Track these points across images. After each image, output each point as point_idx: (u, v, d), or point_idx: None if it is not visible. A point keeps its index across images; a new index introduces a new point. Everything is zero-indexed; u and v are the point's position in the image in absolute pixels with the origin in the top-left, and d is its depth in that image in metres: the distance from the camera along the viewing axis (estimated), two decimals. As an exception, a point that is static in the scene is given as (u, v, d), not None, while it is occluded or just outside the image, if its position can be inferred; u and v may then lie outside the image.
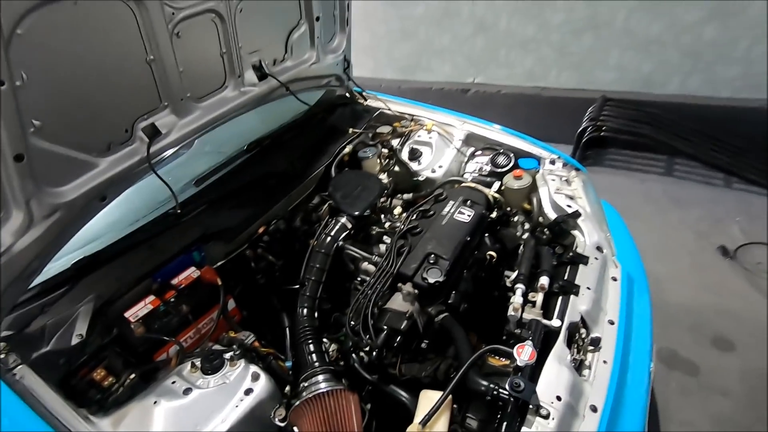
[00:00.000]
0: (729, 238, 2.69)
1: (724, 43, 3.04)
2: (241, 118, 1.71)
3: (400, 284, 1.35)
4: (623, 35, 3.28)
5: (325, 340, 1.36)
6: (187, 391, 1.06)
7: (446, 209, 1.56)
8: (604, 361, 1.21)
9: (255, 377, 1.09)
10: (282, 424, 1.07)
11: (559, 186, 1.73)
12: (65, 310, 1.18)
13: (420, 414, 1.05)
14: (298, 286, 1.45)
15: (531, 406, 1.03)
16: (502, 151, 1.94)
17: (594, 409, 1.10)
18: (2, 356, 1.02)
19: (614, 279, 1.47)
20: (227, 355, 1.14)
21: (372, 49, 4.31)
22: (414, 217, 1.61)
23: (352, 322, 1.27)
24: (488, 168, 1.92)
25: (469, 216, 1.54)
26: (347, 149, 1.93)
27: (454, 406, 1.10)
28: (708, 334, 2.19)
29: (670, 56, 3.24)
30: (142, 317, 1.22)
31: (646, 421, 1.20)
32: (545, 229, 1.63)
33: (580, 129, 3.33)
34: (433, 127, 2.03)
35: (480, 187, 1.73)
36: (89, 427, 0.96)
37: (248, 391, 1.07)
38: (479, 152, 2.00)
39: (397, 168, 1.95)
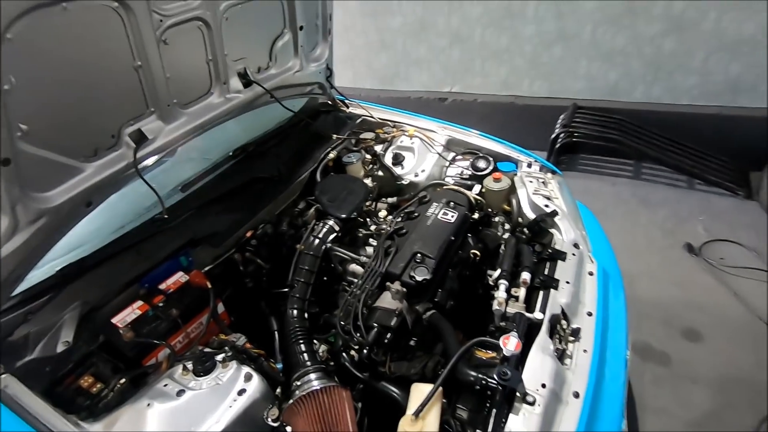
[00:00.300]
0: (693, 235, 2.85)
1: (682, 54, 3.25)
2: (227, 124, 1.73)
3: (388, 283, 1.38)
4: (590, 47, 3.46)
5: (315, 341, 1.38)
6: (180, 393, 1.06)
7: (430, 210, 1.62)
8: (585, 350, 1.27)
9: (248, 378, 1.10)
10: (275, 425, 1.08)
11: (537, 187, 1.81)
12: (50, 318, 1.16)
13: (412, 406, 1.08)
14: (286, 290, 1.46)
15: (518, 394, 1.08)
16: (481, 155, 2.02)
17: (576, 395, 1.16)
18: (-15, 365, 1.00)
19: (591, 274, 1.54)
20: (219, 357, 1.15)
21: (351, 59, 4.38)
22: (399, 219, 1.66)
23: (342, 322, 1.29)
24: (469, 172, 1.99)
25: (452, 217, 1.60)
26: (332, 155, 1.96)
27: (444, 400, 1.13)
28: (678, 326, 2.31)
29: (634, 66, 3.43)
30: (130, 322, 1.21)
31: (624, 405, 1.26)
32: (525, 229, 1.70)
33: (554, 135, 3.47)
34: (414, 133, 2.09)
35: (462, 189, 1.80)
36: (80, 429, 0.95)
37: (241, 392, 1.07)
38: (460, 156, 2.08)
39: (380, 173, 1.99)
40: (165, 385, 1.08)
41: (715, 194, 3.18)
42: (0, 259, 1.04)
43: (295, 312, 1.38)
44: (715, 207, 3.07)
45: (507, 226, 1.80)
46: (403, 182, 1.96)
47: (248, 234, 1.56)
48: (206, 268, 1.49)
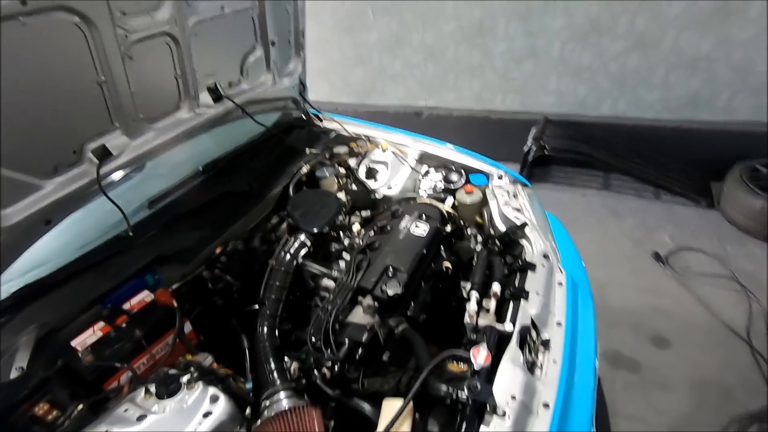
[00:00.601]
0: (660, 244, 2.96)
1: (645, 70, 3.40)
2: (198, 139, 1.71)
3: (360, 297, 1.38)
4: (559, 63, 3.58)
5: (286, 358, 1.36)
6: (141, 418, 1.02)
7: (403, 224, 1.62)
8: (554, 361, 1.29)
9: (214, 399, 1.07)
10: (244, 447, 1.05)
11: (507, 200, 1.85)
12: (4, 342, 1.11)
13: (383, 422, 1.07)
14: (257, 307, 1.44)
15: (488, 407, 1.08)
16: (453, 168, 2.05)
17: (546, 405, 1.16)
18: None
19: (560, 284, 1.57)
20: (184, 379, 1.11)
21: (327, 74, 4.41)
22: (372, 233, 1.66)
23: (313, 338, 1.28)
24: (441, 185, 2.02)
25: (424, 230, 1.61)
26: (305, 169, 1.96)
27: (416, 414, 1.13)
28: (647, 333, 2.37)
29: (600, 82, 3.57)
30: (90, 345, 1.16)
31: (593, 415, 1.28)
32: (497, 240, 1.73)
33: (526, 148, 3.56)
34: (388, 146, 2.11)
35: (435, 202, 1.82)
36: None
37: (207, 414, 1.04)
38: (432, 170, 2.10)
39: (354, 186, 2.00)
40: (125, 410, 1.04)
41: (679, 204, 3.31)
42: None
43: (265, 329, 1.36)
44: (680, 216, 3.20)
45: (479, 238, 1.82)
46: (377, 196, 1.97)
47: (218, 251, 1.54)
48: (173, 287, 1.45)
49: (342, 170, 2.05)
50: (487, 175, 2.02)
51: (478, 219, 1.91)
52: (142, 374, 1.23)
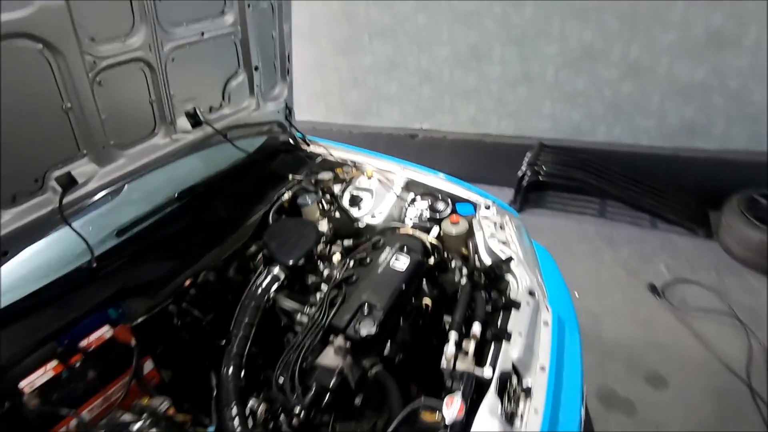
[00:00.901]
0: (656, 275, 2.87)
1: (640, 97, 3.38)
2: (175, 165, 1.67)
3: (332, 337, 1.31)
4: (553, 88, 3.57)
5: (253, 400, 1.28)
6: (83, 473, 0.94)
7: (383, 257, 1.56)
8: (536, 410, 1.21)
9: (165, 450, 1.00)
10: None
11: (493, 231, 1.78)
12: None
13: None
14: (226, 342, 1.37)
15: (461, 464, 1.00)
16: (440, 197, 2.00)
17: (524, 461, 1.08)
18: None
19: (546, 323, 1.50)
20: (136, 427, 1.04)
21: (324, 95, 4.42)
22: (351, 265, 1.60)
23: (281, 379, 1.20)
24: (428, 213, 1.96)
25: (405, 263, 1.54)
26: (286, 196, 1.91)
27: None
28: (642, 370, 2.27)
29: (595, 108, 3.55)
30: (38, 387, 1.09)
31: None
32: (482, 274, 1.66)
33: (520, 173, 3.52)
34: (373, 173, 2.07)
35: (418, 233, 1.76)
36: None
37: (157, 467, 0.97)
38: (419, 198, 2.05)
39: (338, 214, 1.94)
40: (67, 463, 0.96)
41: (676, 233, 3.24)
42: None
43: (230, 370, 1.28)
44: (677, 246, 3.12)
45: (465, 271, 1.75)
46: (360, 224, 1.91)
47: (187, 282, 1.47)
48: (137, 321, 1.38)
49: (327, 196, 2.00)
50: (475, 205, 1.96)
51: (464, 250, 1.85)
52: (95, 418, 1.15)
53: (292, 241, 1.60)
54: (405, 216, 2.00)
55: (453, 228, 1.82)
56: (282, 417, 1.20)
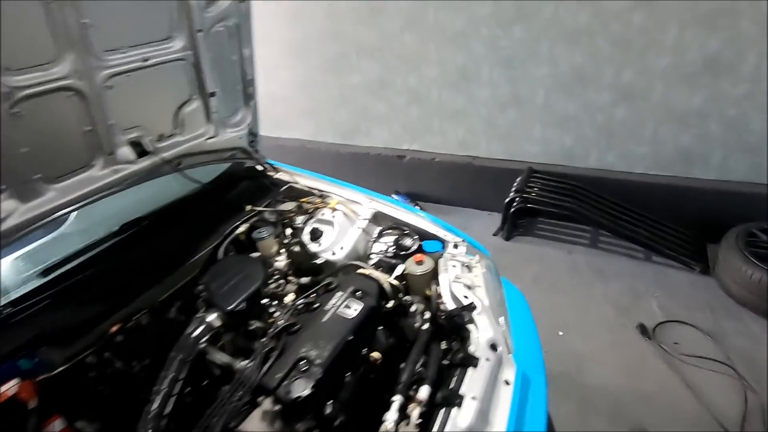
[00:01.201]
0: (647, 314, 2.70)
1: (634, 123, 3.25)
2: (124, 195, 1.56)
3: (260, 399, 1.18)
4: (544, 112, 3.46)
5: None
6: None
7: (332, 302, 1.43)
8: (483, 493, 1.06)
9: None
10: None
11: (459, 273, 1.65)
12: None
13: None
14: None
15: None
16: (407, 232, 1.87)
17: None
18: None
19: (507, 383, 1.36)
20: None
21: (313, 113, 4.34)
22: (299, 308, 1.47)
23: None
24: (393, 250, 1.84)
25: (356, 310, 1.41)
26: (242, 228, 1.79)
27: None
28: (626, 423, 2.08)
29: (586, 133, 3.42)
30: None
31: None
32: (444, 320, 1.53)
33: (507, 200, 3.39)
34: (338, 205, 1.95)
35: (376, 274, 1.62)
36: None
37: None
38: (386, 232, 1.93)
39: (297, 248, 1.82)
40: None
41: (672, 267, 3.06)
42: None
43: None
44: (671, 282, 2.95)
45: (427, 315, 1.62)
46: (319, 261, 1.79)
47: (114, 328, 1.35)
48: (56, 371, 1.26)
49: (288, 229, 1.88)
50: (444, 242, 1.83)
51: (428, 291, 1.71)
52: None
53: (235, 282, 1.48)
54: (370, 251, 1.88)
55: (417, 267, 1.69)
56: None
